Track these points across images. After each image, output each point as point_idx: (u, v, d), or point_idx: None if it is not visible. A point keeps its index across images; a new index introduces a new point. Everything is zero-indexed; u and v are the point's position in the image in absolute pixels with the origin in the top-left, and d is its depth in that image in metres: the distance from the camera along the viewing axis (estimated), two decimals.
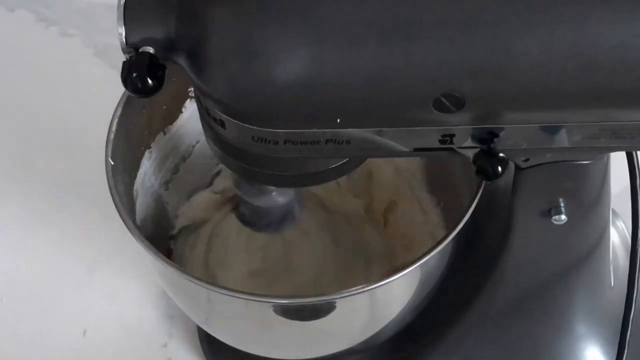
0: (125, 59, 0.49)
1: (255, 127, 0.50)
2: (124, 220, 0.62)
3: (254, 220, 0.66)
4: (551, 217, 0.60)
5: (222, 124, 0.51)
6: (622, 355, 0.62)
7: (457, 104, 0.48)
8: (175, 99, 0.71)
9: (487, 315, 0.67)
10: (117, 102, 0.66)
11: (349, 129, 0.51)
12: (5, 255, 0.84)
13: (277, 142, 0.51)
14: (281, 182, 0.58)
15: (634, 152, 0.60)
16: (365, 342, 0.67)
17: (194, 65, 0.49)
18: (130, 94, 0.49)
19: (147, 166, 0.71)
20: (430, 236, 0.75)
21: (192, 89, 0.63)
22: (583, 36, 0.47)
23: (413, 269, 0.59)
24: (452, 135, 0.52)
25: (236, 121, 0.50)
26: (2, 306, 0.81)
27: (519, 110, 0.50)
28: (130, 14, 0.49)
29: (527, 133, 0.52)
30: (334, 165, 0.56)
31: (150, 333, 0.80)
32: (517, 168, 0.58)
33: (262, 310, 0.62)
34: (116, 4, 0.49)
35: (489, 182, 0.55)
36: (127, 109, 0.66)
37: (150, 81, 0.48)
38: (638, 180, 0.60)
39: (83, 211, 0.85)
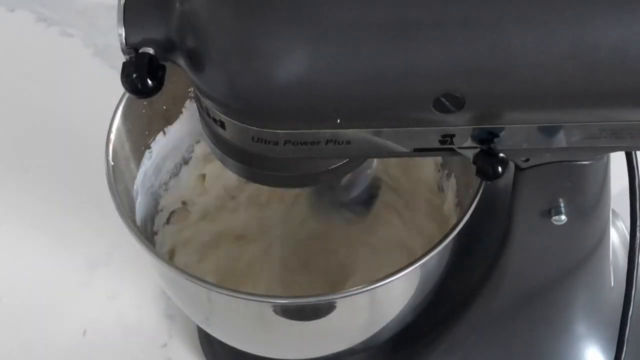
0: (125, 60, 0.50)
1: (255, 128, 0.50)
2: (124, 220, 0.62)
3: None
4: (551, 217, 0.60)
5: (222, 125, 0.51)
6: (621, 354, 0.62)
7: (457, 104, 0.48)
8: (175, 99, 0.71)
9: (487, 315, 0.67)
10: (117, 102, 0.66)
11: (349, 130, 0.51)
12: (5, 255, 0.84)
13: (277, 143, 0.51)
14: (281, 182, 0.58)
15: (633, 152, 0.60)
16: (365, 342, 0.67)
17: (194, 66, 0.49)
18: (130, 94, 0.49)
19: (147, 166, 0.71)
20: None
21: (192, 89, 0.63)
22: (583, 36, 0.47)
23: (413, 269, 0.59)
24: (452, 136, 0.52)
25: (236, 122, 0.50)
26: (2, 306, 0.81)
27: (519, 110, 0.50)
28: (130, 14, 0.49)
29: (527, 133, 0.52)
30: (334, 166, 0.56)
31: (150, 333, 0.79)
32: (517, 168, 0.58)
33: (262, 310, 0.62)
34: (116, 4, 0.49)
35: (489, 182, 0.55)
36: (127, 109, 0.66)
37: (150, 82, 0.48)
38: (637, 180, 0.60)
39: (83, 211, 0.84)
